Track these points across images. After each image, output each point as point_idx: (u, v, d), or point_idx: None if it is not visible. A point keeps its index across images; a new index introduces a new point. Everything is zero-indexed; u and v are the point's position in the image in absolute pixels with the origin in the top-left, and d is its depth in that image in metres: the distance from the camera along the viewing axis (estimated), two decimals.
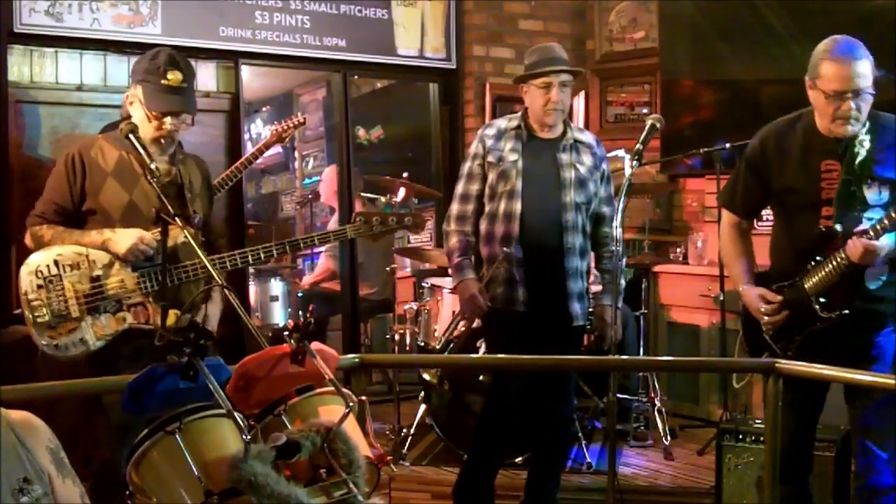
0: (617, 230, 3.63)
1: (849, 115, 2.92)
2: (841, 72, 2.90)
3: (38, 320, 3.00)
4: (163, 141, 3.11)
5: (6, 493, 1.77)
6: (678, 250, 5.61)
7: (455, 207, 3.77)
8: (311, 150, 8.39)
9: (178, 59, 3.13)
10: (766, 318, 3.11)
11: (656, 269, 5.41)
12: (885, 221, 2.86)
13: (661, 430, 4.77)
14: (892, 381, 2.69)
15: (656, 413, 4.84)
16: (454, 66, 6.03)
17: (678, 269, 5.44)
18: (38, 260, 3.05)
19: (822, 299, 3.01)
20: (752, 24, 5.15)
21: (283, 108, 8.40)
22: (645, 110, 5.95)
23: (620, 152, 5.09)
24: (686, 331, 5.38)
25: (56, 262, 3.04)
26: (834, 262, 2.96)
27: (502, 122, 3.78)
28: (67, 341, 3.02)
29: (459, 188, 3.80)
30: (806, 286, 3.04)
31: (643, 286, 5.20)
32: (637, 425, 4.98)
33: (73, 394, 2.97)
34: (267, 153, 8.56)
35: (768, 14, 5.01)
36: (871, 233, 2.87)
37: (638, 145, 3.54)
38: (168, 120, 3.08)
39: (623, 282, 3.83)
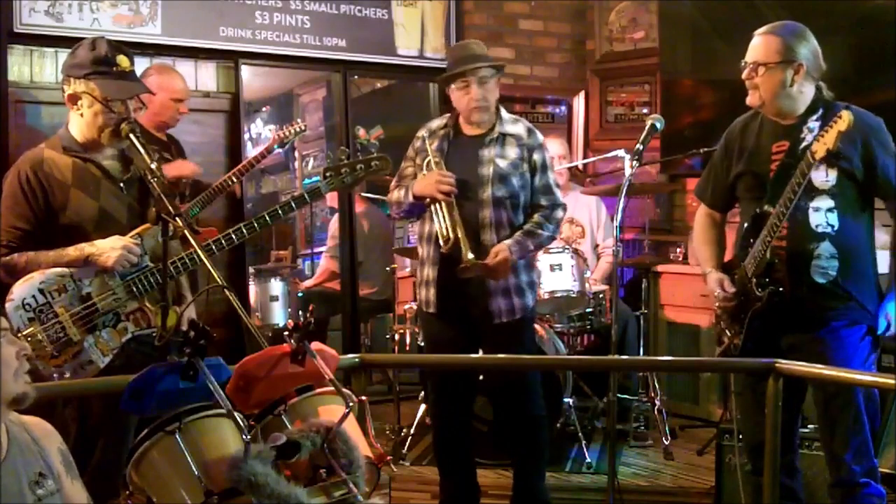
0: (616, 230, 3.64)
1: (749, 84, 3.07)
2: (750, 45, 3.10)
3: (40, 353, 2.88)
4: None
5: (24, 485, 1.82)
6: (678, 250, 5.61)
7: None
8: (311, 150, 8.39)
9: (118, 45, 3.06)
10: (718, 302, 3.19)
11: (656, 269, 5.41)
12: (781, 204, 2.93)
13: (661, 430, 4.76)
14: (892, 382, 2.70)
15: (656, 413, 4.84)
16: None
17: (678, 269, 5.44)
18: (22, 292, 2.91)
19: (766, 280, 3.02)
20: (752, 24, 5.12)
21: (283, 108, 8.40)
22: (645, 110, 5.96)
23: (620, 152, 5.09)
24: (686, 331, 5.37)
25: (41, 291, 2.92)
26: (764, 242, 2.99)
27: (435, 123, 3.81)
28: (75, 365, 2.93)
29: (393, 184, 3.84)
30: (745, 268, 3.09)
31: (643, 286, 5.20)
32: (637, 425, 4.99)
33: (73, 394, 2.95)
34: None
35: (768, 14, 4.99)
36: (774, 215, 2.93)
37: (638, 145, 3.55)
38: (131, 104, 3.04)
39: (542, 238, 3.71)
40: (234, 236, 3.09)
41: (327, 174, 3.17)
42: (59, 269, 2.96)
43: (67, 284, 2.96)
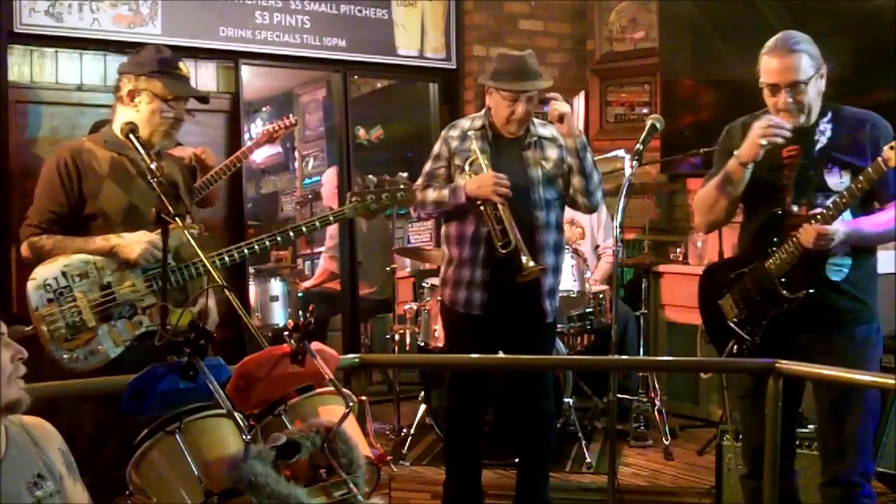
0: (616, 230, 3.65)
1: (786, 107, 3.00)
2: (773, 66, 3.01)
3: (54, 334, 2.94)
4: (174, 132, 3.17)
5: (21, 487, 1.81)
6: (678, 250, 5.61)
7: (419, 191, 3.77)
8: (311, 150, 8.39)
9: (176, 54, 3.24)
10: (771, 126, 2.98)
11: (656, 269, 5.40)
12: (833, 206, 2.89)
13: (661, 430, 4.77)
14: (892, 382, 2.70)
15: (656, 413, 4.84)
16: (454, 66, 6.03)
17: (678, 269, 5.44)
18: (45, 273, 2.98)
19: (784, 280, 3.03)
20: (752, 24, 5.15)
21: (283, 108, 8.40)
22: (645, 110, 5.95)
23: (620, 152, 5.09)
24: (686, 331, 5.36)
25: (64, 274, 2.98)
26: (792, 243, 2.99)
27: (465, 122, 3.79)
28: (86, 351, 2.97)
29: (419, 182, 3.79)
30: (767, 268, 3.07)
31: (643, 286, 5.20)
32: (637, 425, 4.98)
33: (73, 394, 2.95)
34: (267, 153, 8.59)
35: (768, 14, 5.01)
36: (821, 217, 2.91)
37: (638, 145, 3.54)
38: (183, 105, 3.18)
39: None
40: (256, 246, 3.17)
41: (353, 199, 3.28)
42: (84, 256, 3.03)
43: (90, 271, 3.01)
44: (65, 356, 2.96)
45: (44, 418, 2.00)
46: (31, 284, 2.98)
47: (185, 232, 2.83)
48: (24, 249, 3.11)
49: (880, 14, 4.66)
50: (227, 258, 3.14)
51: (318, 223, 3.31)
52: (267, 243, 3.18)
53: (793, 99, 2.98)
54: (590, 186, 3.69)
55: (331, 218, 3.38)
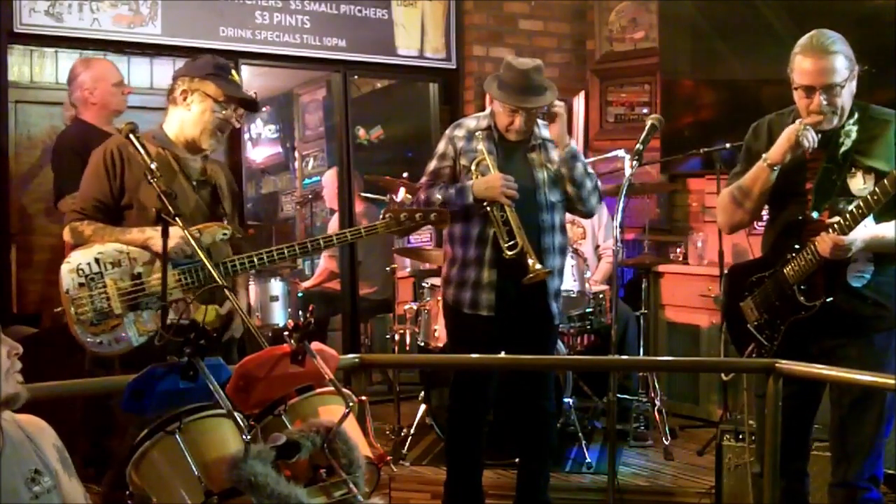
0: (616, 230, 3.65)
1: (819, 109, 2.93)
2: (809, 67, 2.92)
3: (81, 317, 3.03)
4: (220, 133, 3.25)
5: (19, 482, 1.82)
6: (678, 250, 5.61)
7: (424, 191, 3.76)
8: (311, 150, 8.39)
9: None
10: (808, 121, 2.94)
11: (656, 269, 5.40)
12: (850, 216, 2.84)
13: (661, 430, 4.77)
14: (892, 382, 2.69)
15: (656, 413, 4.84)
16: (454, 66, 6.03)
17: (678, 269, 5.44)
18: (79, 258, 3.07)
19: (802, 287, 2.99)
20: (752, 24, 5.15)
21: (283, 108, 8.40)
22: (645, 110, 5.95)
23: (620, 152, 5.09)
24: (686, 331, 5.37)
25: (97, 260, 3.07)
26: (810, 251, 2.95)
27: (471, 122, 3.78)
28: (110, 338, 3.05)
29: (424, 180, 3.79)
30: (786, 274, 3.03)
31: (643, 286, 5.20)
32: (637, 425, 4.98)
33: (74, 394, 2.96)
34: (267, 153, 8.58)
35: (768, 14, 5.01)
36: (837, 227, 2.86)
37: (638, 145, 3.54)
38: (234, 115, 3.29)
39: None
40: (286, 252, 3.24)
41: (387, 216, 3.37)
42: (119, 245, 3.10)
43: (123, 260, 3.09)
44: (89, 339, 3.04)
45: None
46: (65, 267, 3.06)
47: (186, 231, 2.85)
48: (66, 233, 3.21)
49: (880, 14, 4.65)
50: (256, 261, 3.20)
51: (349, 235, 3.39)
52: (297, 250, 3.28)
53: (828, 102, 2.91)
54: (582, 194, 3.71)
55: (362, 232, 3.41)
